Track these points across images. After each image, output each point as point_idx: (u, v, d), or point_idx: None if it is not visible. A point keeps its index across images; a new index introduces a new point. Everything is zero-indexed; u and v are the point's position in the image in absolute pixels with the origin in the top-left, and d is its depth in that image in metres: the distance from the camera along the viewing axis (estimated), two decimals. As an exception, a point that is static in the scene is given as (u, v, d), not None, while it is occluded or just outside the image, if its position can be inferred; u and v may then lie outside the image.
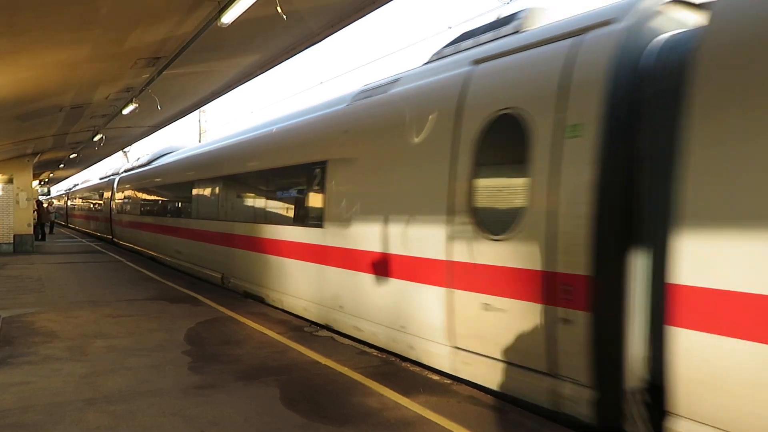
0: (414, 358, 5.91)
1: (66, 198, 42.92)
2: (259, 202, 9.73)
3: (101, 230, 26.62)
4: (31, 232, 20.52)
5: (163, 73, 9.36)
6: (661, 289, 3.72)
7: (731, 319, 3.24)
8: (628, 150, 4.14)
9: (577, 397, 4.27)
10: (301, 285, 8.13)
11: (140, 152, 25.58)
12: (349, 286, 6.91)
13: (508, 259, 4.73)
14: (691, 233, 3.42)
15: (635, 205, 4.09)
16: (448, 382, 5.33)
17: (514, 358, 4.74)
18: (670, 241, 3.53)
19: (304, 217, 7.99)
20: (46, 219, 27.33)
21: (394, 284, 6.07)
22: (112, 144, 21.91)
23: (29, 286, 11.56)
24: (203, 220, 12.19)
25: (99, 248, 21.97)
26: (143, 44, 7.91)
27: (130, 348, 6.52)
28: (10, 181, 19.67)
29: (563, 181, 4.32)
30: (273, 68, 10.11)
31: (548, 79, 4.55)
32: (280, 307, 8.85)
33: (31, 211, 20.83)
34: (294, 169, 8.42)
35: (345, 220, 6.93)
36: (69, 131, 16.24)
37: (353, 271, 6.79)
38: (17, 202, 19.77)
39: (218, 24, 6.58)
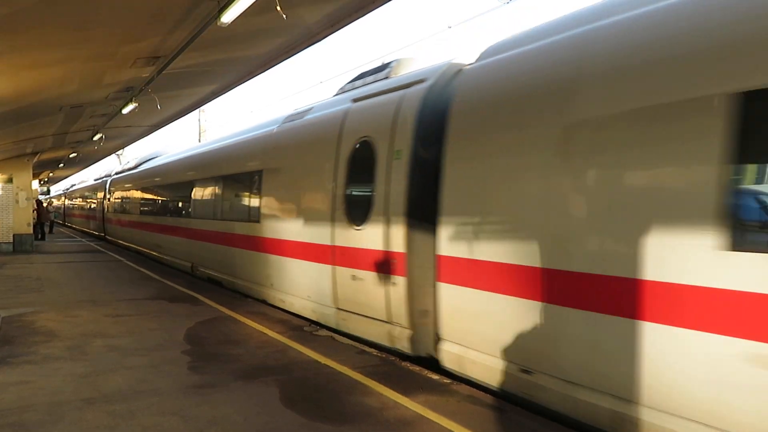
0: (316, 320, 7.79)
1: (63, 198, 45.26)
2: (216, 203, 11.62)
3: (95, 228, 28.59)
4: (31, 231, 20.52)
5: (163, 72, 9.35)
6: (436, 259, 5.60)
7: (464, 275, 5.21)
8: (425, 167, 5.89)
9: (402, 336, 6.12)
10: (246, 270, 10.19)
11: (135, 154, 27.69)
12: (276, 267, 8.98)
13: (364, 243, 6.58)
14: (443, 223, 5.42)
15: (428, 205, 5.71)
16: (448, 381, 5.33)
17: (369, 312, 6.62)
18: (436, 228, 5.51)
19: (247, 214, 9.95)
20: (45, 218, 27.32)
21: (303, 265, 8.01)
22: (112, 143, 21.92)
23: (29, 285, 11.56)
24: (176, 218, 14.49)
25: (99, 248, 21.97)
26: (143, 43, 7.91)
27: (129, 347, 6.52)
28: (9, 180, 19.67)
29: (391, 189, 6.17)
30: (273, 67, 10.12)
31: (386, 118, 6.41)
32: (233, 288, 10.77)
33: (31, 211, 20.83)
34: (240, 176, 10.53)
35: (274, 217, 9.02)
36: (68, 131, 16.24)
37: (278, 256, 8.82)
38: (17, 202, 19.77)
39: (218, 23, 6.57)
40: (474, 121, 5.28)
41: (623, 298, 3.87)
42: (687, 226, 3.54)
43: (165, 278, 12.67)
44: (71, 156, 24.06)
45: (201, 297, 10.08)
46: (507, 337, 4.77)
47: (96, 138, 16.97)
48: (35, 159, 20.94)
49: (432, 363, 5.79)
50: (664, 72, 3.79)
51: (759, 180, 3.48)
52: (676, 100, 3.66)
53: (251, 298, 9.76)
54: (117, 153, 30.23)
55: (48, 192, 53.32)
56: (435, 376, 5.48)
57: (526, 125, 4.71)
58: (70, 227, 39.51)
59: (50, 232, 30.14)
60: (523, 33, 5.32)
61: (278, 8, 6.22)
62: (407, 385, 5.18)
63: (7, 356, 6.16)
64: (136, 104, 11.46)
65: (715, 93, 3.46)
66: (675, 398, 3.62)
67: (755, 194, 3.41)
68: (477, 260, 5.07)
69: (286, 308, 8.65)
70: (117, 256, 18.17)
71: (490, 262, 4.95)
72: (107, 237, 24.72)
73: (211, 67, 10.08)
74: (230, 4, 6.17)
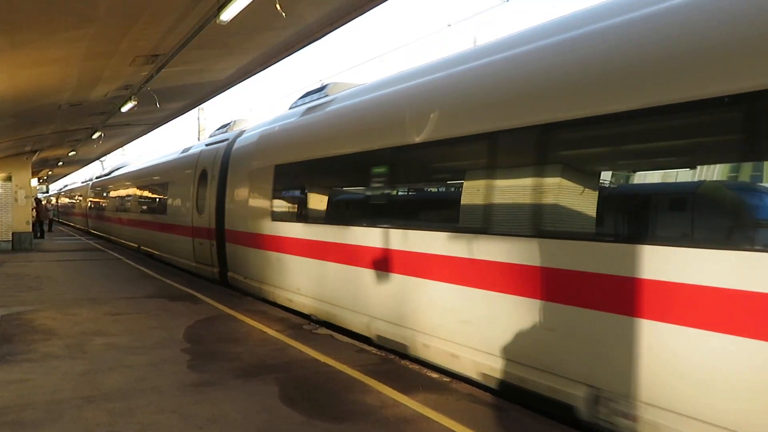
0: (182, 267, 14.01)
1: (57, 197, 52.12)
2: (147, 203, 18.00)
3: (80, 223, 34.83)
4: (30, 229, 20.50)
5: (162, 70, 9.34)
6: (225, 231, 11.17)
7: (235, 239, 10.62)
8: (222, 183, 11.25)
9: (214, 271, 11.80)
10: (161, 246, 16.09)
11: (117, 161, 32.51)
12: (169, 241, 15.20)
13: (202, 223, 12.30)
14: (226, 212, 11.07)
15: (219, 206, 11.37)
16: (447, 380, 5.34)
17: (206, 261, 12.28)
18: (224, 215, 11.21)
19: (163, 209, 15.67)
20: (44, 217, 27.30)
21: (181, 238, 13.99)
22: (111, 142, 21.89)
23: (28, 283, 11.55)
24: (130, 213, 20.32)
25: (98, 246, 21.97)
26: (142, 41, 7.90)
27: (128, 346, 6.51)
28: (8, 178, 19.64)
29: (212, 195, 11.69)
30: (272, 66, 10.11)
31: (216, 158, 11.93)
32: (159, 259, 16.35)
33: (30, 209, 20.81)
34: (158, 186, 16.61)
35: (171, 210, 14.99)
36: (67, 129, 16.23)
37: (172, 234, 14.77)
38: (16, 200, 19.75)
39: (217, 21, 6.56)
40: (235, 162, 10.95)
41: (259, 240, 9.64)
42: None
43: (164, 277, 12.67)
44: (70, 154, 24.04)
45: (200, 295, 10.08)
46: (253, 268, 10.04)
47: (95, 136, 16.95)
48: (34, 157, 20.92)
49: (225, 283, 11.45)
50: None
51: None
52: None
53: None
54: (101, 159, 34.30)
55: (47, 190, 53.43)
56: (434, 375, 5.48)
57: (241, 168, 10.52)
58: (62, 223, 43.16)
59: (49, 230, 30.11)
60: (265, 121, 10.74)
61: (278, 6, 6.21)
62: (406, 384, 5.18)
63: (6, 354, 6.15)
64: (135, 102, 11.44)
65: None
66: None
67: None
68: (239, 231, 10.52)
69: (165, 260, 15.64)
70: (116, 255, 18.17)
71: (243, 231, 10.32)
72: (90, 231, 30.34)
73: (210, 65, 10.07)
74: (229, 1, 6.16)
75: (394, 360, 5.99)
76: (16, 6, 5.73)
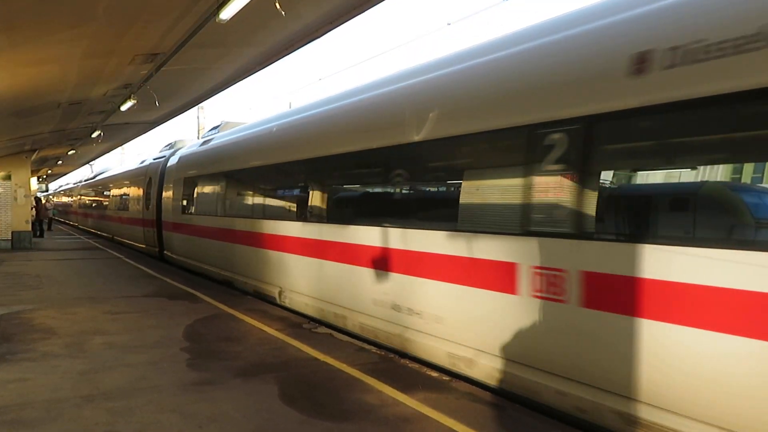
0: (139, 249, 19.04)
1: (53, 196, 57.09)
2: (121, 201, 21.97)
3: (71, 219, 40.42)
4: (30, 228, 20.49)
5: (162, 69, 9.34)
6: (162, 222, 15.82)
7: (169, 227, 15.09)
8: (160, 187, 15.99)
9: (156, 250, 16.57)
10: (123, 233, 21.37)
11: (102, 165, 39.21)
12: (128, 229, 20.37)
13: (149, 216, 17.00)
14: (163, 207, 15.63)
15: (158, 204, 16.13)
16: (447, 379, 5.33)
17: (152, 244, 16.87)
18: (162, 209, 15.74)
19: (127, 207, 20.47)
20: (44, 216, 27.28)
21: (133, 227, 19.49)
22: (111, 141, 21.88)
23: (27, 282, 11.55)
24: (106, 210, 25.49)
25: (97, 245, 21.97)
26: (141, 40, 7.89)
27: (128, 345, 6.51)
28: (8, 177, 19.62)
29: (154, 196, 16.49)
30: (272, 64, 10.10)
31: (157, 170, 16.60)
32: (119, 242, 22.11)
33: (29, 208, 20.79)
34: (129, 188, 20.53)
35: (129, 207, 20.08)
36: (67, 128, 16.22)
37: (133, 226, 19.44)
38: (15, 199, 19.73)
39: (217, 20, 6.56)
40: (167, 173, 15.43)
41: (200, 230, 12.82)
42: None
43: (164, 276, 12.66)
44: (69, 153, 24.03)
45: (200, 294, 10.07)
46: (176, 247, 14.48)
47: (94, 135, 16.95)
48: (34, 156, 20.90)
49: (162, 259, 15.73)
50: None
51: None
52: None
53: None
54: (90, 163, 39.19)
55: (46, 189, 53.50)
56: (434, 374, 5.48)
57: (169, 178, 15.14)
58: (56, 219, 45.09)
59: (49, 229, 30.09)
60: (186, 147, 15.37)
61: (277, 5, 6.21)
62: (406, 383, 5.18)
63: (5, 353, 6.15)
64: (135, 101, 11.44)
65: None
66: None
67: None
68: (168, 221, 14.94)
69: (125, 243, 20.98)
70: (116, 254, 18.17)
71: (170, 221, 14.76)
72: (79, 226, 35.62)
73: (209, 63, 10.06)
74: (229, 0, 6.15)
75: (394, 359, 5.98)
76: (16, 4, 5.72)
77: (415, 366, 5.73)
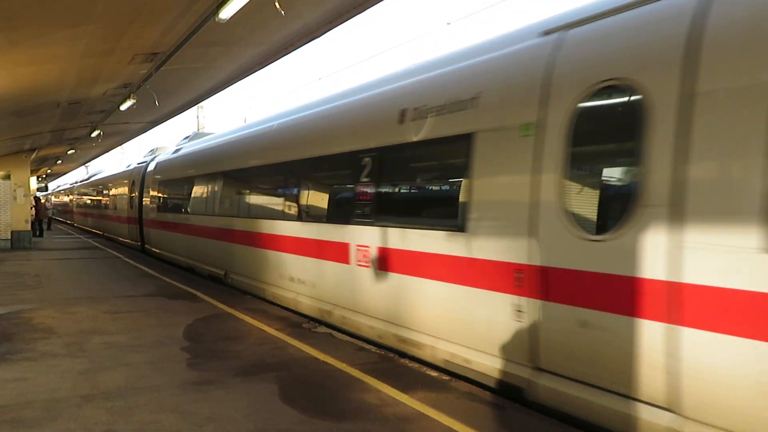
0: (125, 242, 21.54)
1: (51, 195, 58.88)
2: (110, 201, 24.53)
3: (68, 218, 43.48)
4: (29, 228, 20.49)
5: (161, 69, 9.33)
6: (143, 220, 18.20)
7: (149, 224, 17.64)
8: (144, 189, 18.13)
9: (138, 244, 19.08)
10: (109, 228, 24.70)
11: (96, 167, 40.73)
12: (111, 224, 24.17)
13: (133, 215, 19.38)
14: (143, 207, 18.17)
15: (140, 204, 18.65)
16: (447, 378, 5.34)
17: (135, 239, 19.48)
18: (143, 209, 18.22)
19: (115, 206, 22.98)
20: (43, 215, 27.27)
21: (119, 224, 22.11)
22: (110, 140, 21.88)
23: (27, 282, 11.55)
24: (98, 209, 28.26)
25: (97, 245, 21.97)
26: (141, 40, 7.88)
27: (128, 344, 6.51)
28: (7, 177, 19.61)
29: (135, 198, 19.11)
30: (271, 64, 10.10)
31: (139, 173, 18.96)
32: (103, 235, 26.00)
33: (29, 208, 20.79)
34: (117, 189, 22.85)
35: (119, 205, 22.40)
36: (66, 127, 16.21)
37: (118, 223, 22.53)
38: (14, 198, 19.73)
39: (216, 19, 6.55)
40: (147, 176, 17.81)
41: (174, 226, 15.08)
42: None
43: (164, 275, 12.66)
44: (69, 152, 24.02)
45: (200, 294, 10.07)
46: (154, 240, 17.09)
47: (94, 134, 16.95)
48: (33, 155, 20.89)
49: (144, 252, 18.28)
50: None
51: None
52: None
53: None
54: (85, 165, 41.57)
55: (46, 188, 53.50)
56: (433, 373, 5.48)
57: (148, 181, 17.71)
58: (56, 219, 46.35)
59: (48, 228, 30.09)
60: (162, 155, 17.69)
61: (277, 5, 6.20)
62: (406, 382, 5.18)
63: (5, 353, 6.15)
64: (134, 101, 11.43)
65: None
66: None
67: None
68: (148, 219, 17.47)
69: (114, 238, 23.42)
70: (115, 253, 18.17)
71: (149, 219, 17.35)
72: (75, 224, 38.63)
73: (209, 63, 10.05)
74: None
75: (394, 359, 5.99)
76: (15, 4, 5.71)
77: (415, 366, 5.74)
